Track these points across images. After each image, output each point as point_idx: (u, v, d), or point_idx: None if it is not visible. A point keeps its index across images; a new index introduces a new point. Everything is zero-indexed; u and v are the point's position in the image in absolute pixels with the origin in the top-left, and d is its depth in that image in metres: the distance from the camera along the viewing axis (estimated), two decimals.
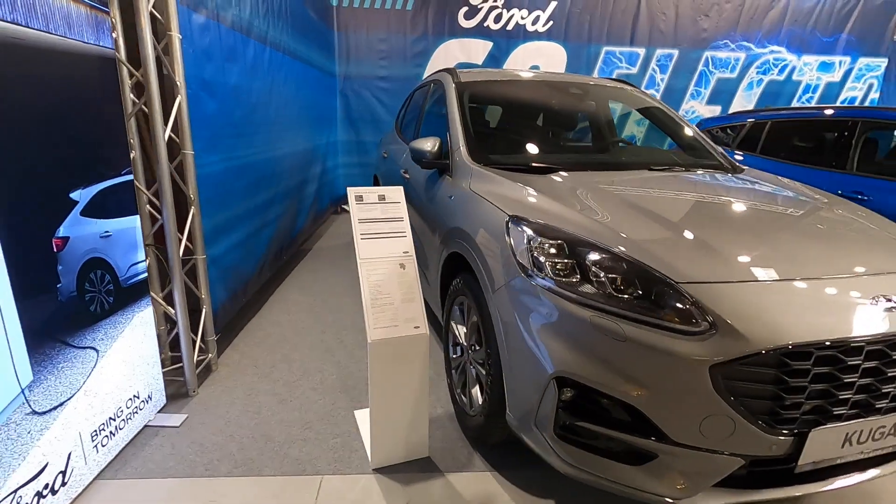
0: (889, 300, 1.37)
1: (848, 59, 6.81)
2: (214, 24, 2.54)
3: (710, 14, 6.46)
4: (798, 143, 4.31)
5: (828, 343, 1.27)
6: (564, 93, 2.99)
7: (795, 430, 1.31)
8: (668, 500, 1.36)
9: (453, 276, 2.21)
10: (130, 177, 1.95)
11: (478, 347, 1.96)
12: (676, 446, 1.33)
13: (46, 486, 1.57)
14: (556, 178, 2.08)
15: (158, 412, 2.17)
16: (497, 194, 1.94)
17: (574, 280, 1.46)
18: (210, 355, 2.52)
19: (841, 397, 1.32)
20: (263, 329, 3.02)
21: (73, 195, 1.66)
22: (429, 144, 2.45)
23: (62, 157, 1.61)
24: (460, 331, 2.14)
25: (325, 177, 5.63)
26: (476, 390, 1.99)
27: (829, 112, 4.27)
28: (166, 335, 2.43)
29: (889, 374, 1.35)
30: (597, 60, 6.49)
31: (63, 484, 1.64)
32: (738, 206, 1.91)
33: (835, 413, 1.33)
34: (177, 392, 2.32)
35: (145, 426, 2.08)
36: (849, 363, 1.30)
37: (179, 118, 2.17)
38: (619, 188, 1.98)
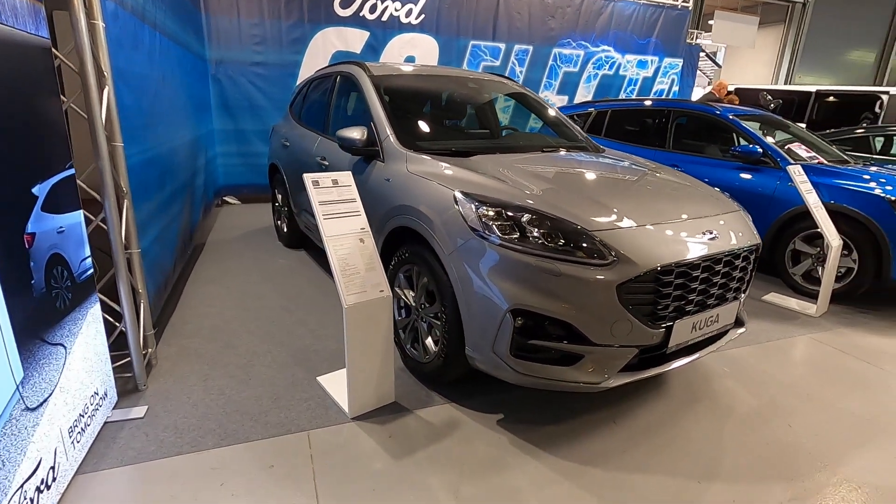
0: (711, 233, 2.08)
1: (657, 58, 8.42)
2: (121, 11, 2.46)
3: (556, 15, 7.47)
4: (632, 127, 5.38)
5: (682, 263, 1.91)
6: (465, 86, 3.44)
7: (665, 325, 1.95)
8: (593, 385, 1.91)
9: (394, 250, 2.53)
10: (73, 171, 1.91)
11: (429, 305, 2.33)
12: (596, 346, 1.88)
13: (42, 481, 1.57)
14: (478, 159, 2.52)
15: (114, 408, 2.15)
16: (436, 174, 2.31)
17: (515, 236, 1.92)
18: (150, 350, 2.49)
19: (690, 299, 1.99)
20: (191, 322, 3.00)
21: (34, 190, 1.63)
22: (357, 133, 2.70)
23: (24, 149, 1.58)
24: (408, 295, 2.49)
25: (208, 168, 5.37)
26: (429, 341, 2.37)
27: (648, 103, 5.41)
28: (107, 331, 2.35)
29: (714, 281, 2.05)
30: (465, 53, 7.10)
31: (54, 479, 1.64)
32: (612, 176, 2.56)
33: (687, 310, 2.00)
34: (125, 388, 2.30)
35: (105, 423, 2.06)
36: (693, 275, 1.96)
37: (108, 109, 2.12)
38: (528, 166, 2.49)
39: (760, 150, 4.13)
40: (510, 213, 1.97)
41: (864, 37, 17.80)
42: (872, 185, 3.64)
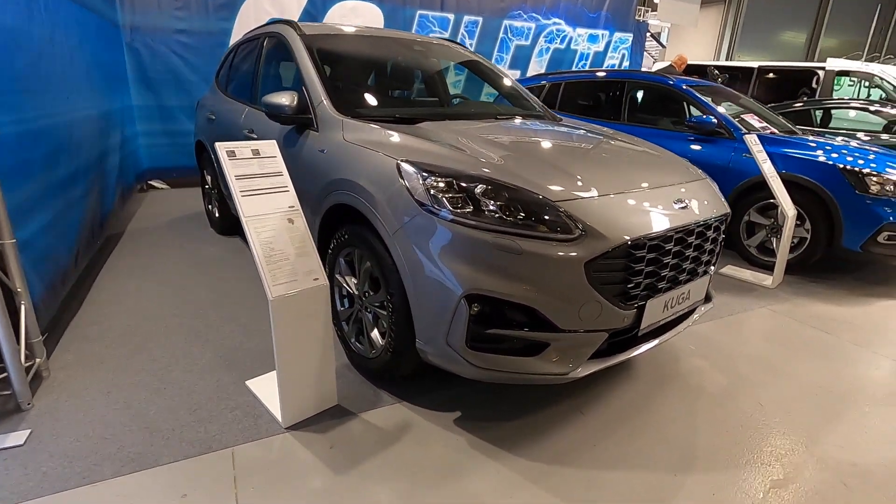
0: (682, 202, 1.90)
1: (607, 32, 8.31)
2: None
3: None
4: (586, 100, 5.22)
5: (654, 235, 1.71)
6: (410, 49, 3.11)
7: (637, 304, 1.75)
8: (560, 376, 1.69)
9: (332, 231, 2.22)
10: None
11: (373, 293, 2.04)
12: (563, 333, 1.65)
13: None
14: (426, 126, 2.22)
15: None
16: (378, 142, 2.00)
17: (469, 210, 1.65)
18: (38, 360, 2.08)
19: (662, 275, 1.80)
20: (97, 323, 2.57)
21: None
22: (286, 98, 2.34)
23: None
24: (350, 282, 2.19)
25: (126, 148, 4.79)
26: (375, 333, 2.09)
27: (601, 74, 5.25)
28: None
29: (686, 254, 1.87)
30: (412, 23, 6.70)
31: None
32: (574, 144, 2.33)
33: (659, 287, 1.81)
34: (3, 409, 1.89)
35: None
36: (665, 249, 1.77)
37: None
38: (482, 133, 2.22)
39: (715, 120, 4.05)
40: (463, 184, 1.70)
41: (796, 19, 18.64)
42: (824, 153, 3.62)
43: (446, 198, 1.67)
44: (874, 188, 3.41)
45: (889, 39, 19.77)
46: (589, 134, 2.56)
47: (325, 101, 2.35)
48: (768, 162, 3.48)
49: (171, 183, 5.78)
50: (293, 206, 1.88)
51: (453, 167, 1.76)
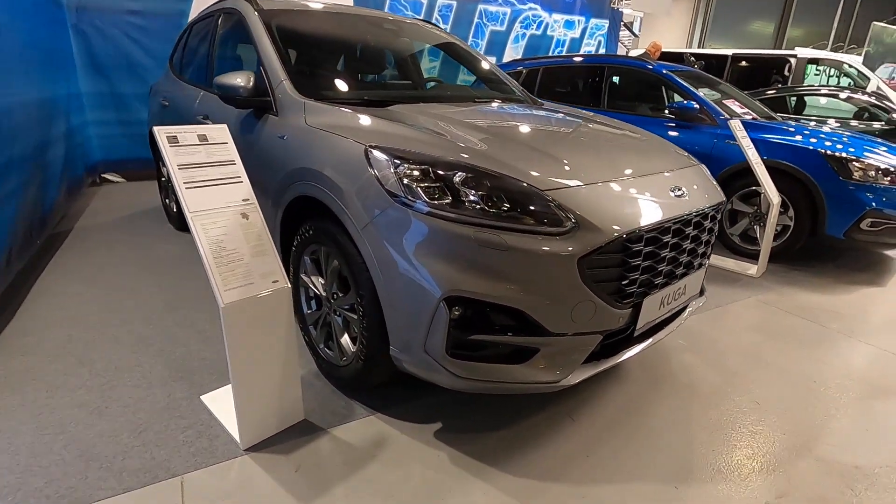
0: (679, 190, 1.75)
1: (583, 18, 8.18)
2: None
3: None
4: (565, 85, 5.06)
5: (652, 226, 1.55)
6: (380, 28, 2.88)
7: (633, 302, 1.60)
8: (550, 384, 1.53)
9: (296, 226, 2.00)
10: None
11: (342, 294, 1.84)
12: (553, 336, 1.49)
13: None
14: (398, 109, 2.02)
15: None
16: (344, 126, 1.79)
17: (447, 201, 1.46)
18: None
19: (659, 269, 1.65)
20: (32, 334, 2.30)
21: None
22: (240, 79, 2.10)
23: None
24: (317, 282, 1.98)
25: (73, 139, 4.42)
26: (346, 339, 1.89)
27: (580, 59, 5.11)
28: None
29: (683, 247, 1.73)
30: (383, 5, 6.42)
31: None
32: (559, 128, 2.16)
33: (655, 283, 1.66)
34: None
35: None
36: (663, 241, 1.62)
37: None
38: (460, 117, 2.02)
39: (697, 106, 3.94)
40: (440, 172, 1.50)
41: (764, 9, 18.96)
42: (807, 139, 3.55)
43: (421, 188, 1.48)
44: (857, 174, 3.35)
45: (851, 30, 20.33)
46: (573, 118, 2.39)
47: (285, 82, 2.12)
48: (753, 149, 3.39)
49: (127, 175, 5.40)
50: (248, 200, 1.65)
51: (429, 153, 1.57)
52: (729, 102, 4.15)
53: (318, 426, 1.77)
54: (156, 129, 1.54)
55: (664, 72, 4.24)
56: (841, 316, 2.91)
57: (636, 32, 15.32)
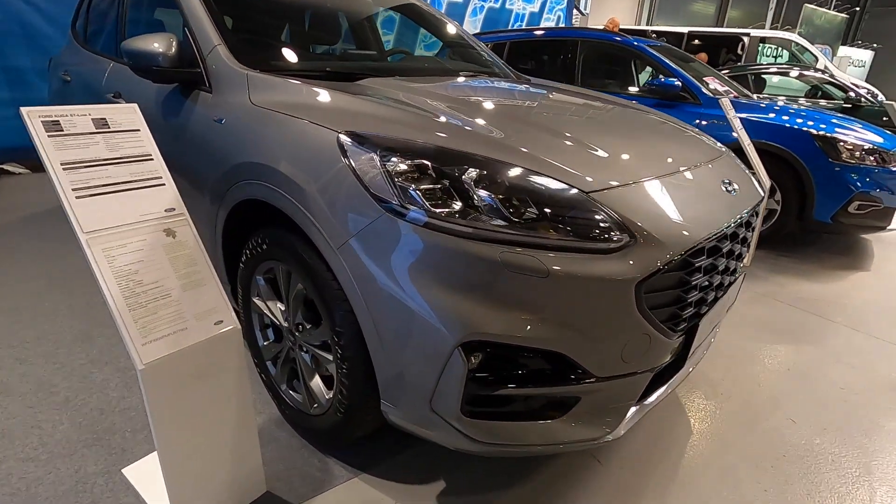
0: (730, 184, 1.43)
1: None
2: None
3: None
4: (535, 61, 4.71)
5: (715, 234, 1.23)
6: None
7: (687, 327, 1.28)
8: (595, 442, 1.19)
9: (245, 234, 1.55)
10: None
11: (310, 326, 1.42)
12: (599, 382, 1.14)
13: None
14: (372, 84, 1.58)
15: None
16: (305, 105, 1.34)
17: (455, 208, 1.07)
18: None
19: (715, 283, 1.33)
20: None
21: None
22: (159, 43, 1.59)
23: None
24: (275, 309, 1.54)
25: None
26: (317, 382, 1.47)
27: (552, 33, 4.76)
28: None
29: (735, 252, 1.42)
30: None
31: None
32: (573, 110, 1.79)
33: (708, 300, 1.34)
34: None
35: None
36: (723, 249, 1.30)
37: None
38: (451, 93, 1.62)
39: (679, 83, 3.70)
40: (445, 168, 1.10)
41: None
42: (795, 119, 3.38)
43: (420, 190, 1.08)
44: (845, 154, 3.22)
45: (784, 12, 21.19)
46: (579, 97, 2.03)
47: (220, 47, 1.62)
48: (743, 129, 3.17)
49: (33, 167, 4.60)
50: (173, 210, 1.19)
51: (427, 141, 1.16)
52: (709, 80, 3.94)
53: (285, 501, 1.36)
54: (24, 110, 1.05)
55: (645, 47, 3.97)
56: (841, 307, 2.77)
57: (584, 11, 15.20)
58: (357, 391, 1.27)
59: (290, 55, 1.80)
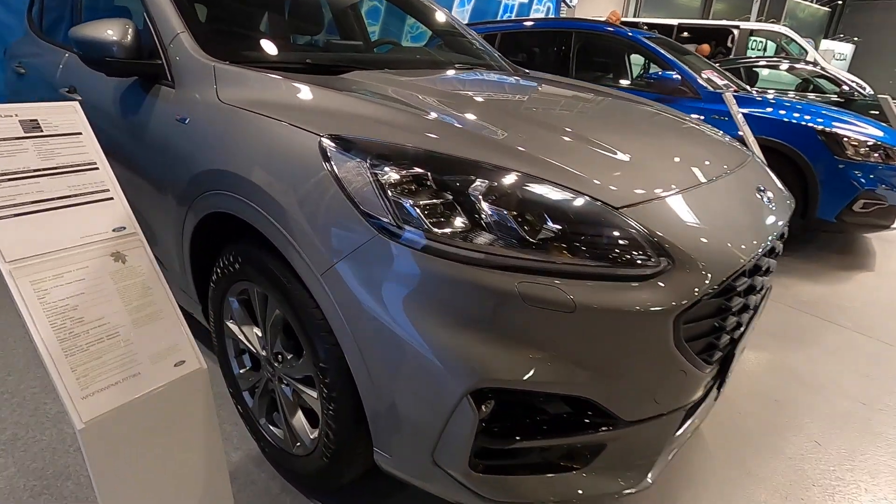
0: (764, 192, 1.28)
1: None
2: None
3: None
4: (527, 53, 4.53)
5: (759, 251, 1.07)
6: None
7: (723, 357, 1.13)
8: (622, 493, 1.04)
9: (216, 249, 1.36)
10: None
11: (291, 356, 1.24)
12: (629, 426, 0.98)
13: None
14: (356, 77, 1.40)
15: None
16: (282, 104, 1.15)
17: (460, 228, 0.90)
18: None
19: (751, 306, 1.18)
20: None
21: None
22: (113, 30, 1.38)
23: None
24: (251, 335, 1.35)
25: None
26: (300, 419, 1.29)
27: (545, 24, 4.58)
28: None
29: (771, 269, 1.28)
30: None
31: None
32: (586, 107, 1.62)
33: (743, 323, 1.19)
34: None
35: None
36: (762, 268, 1.15)
37: None
38: (449, 88, 1.44)
39: (678, 77, 3.55)
40: (447, 179, 0.93)
41: None
42: (797, 115, 3.26)
43: (418, 205, 0.90)
44: (850, 151, 3.11)
45: (769, 5, 21.30)
46: (589, 92, 1.85)
47: (183, 35, 1.42)
48: (747, 125, 3.05)
49: None
50: (124, 229, 1.00)
51: (425, 146, 0.98)
52: (708, 73, 3.80)
53: None
54: None
55: (642, 39, 3.81)
56: (849, 311, 2.67)
57: (570, 3, 15.06)
58: (346, 435, 1.10)
59: (264, 45, 1.59)
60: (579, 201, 0.92)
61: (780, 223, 1.22)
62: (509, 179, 0.94)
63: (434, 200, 0.92)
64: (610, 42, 4.10)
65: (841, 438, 1.71)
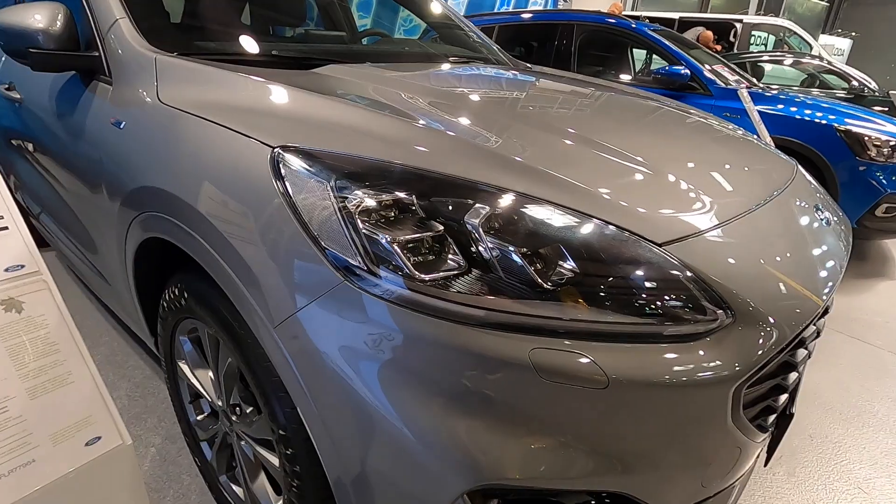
0: (820, 209, 1.06)
1: None
2: None
3: None
4: (525, 46, 4.30)
5: (831, 291, 0.86)
6: None
7: (780, 420, 0.92)
8: None
9: (165, 274, 1.13)
10: None
11: (249, 410, 1.02)
12: None
13: None
14: (332, 73, 1.17)
15: None
16: (232, 106, 0.92)
17: (451, 272, 0.68)
18: None
19: (811, 354, 0.97)
20: None
21: None
22: (41, 16, 1.15)
23: None
24: (205, 379, 1.13)
25: None
26: (264, 484, 1.08)
27: (545, 16, 4.36)
28: None
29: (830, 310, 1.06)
30: None
31: None
32: (606, 109, 1.39)
33: (800, 376, 0.98)
34: None
35: None
36: (830, 309, 0.94)
37: None
38: (441, 85, 1.21)
39: (688, 72, 3.34)
40: (438, 205, 0.71)
41: None
42: (815, 112, 3.05)
43: (399, 242, 0.68)
44: (873, 152, 2.90)
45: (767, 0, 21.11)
46: (607, 91, 1.64)
47: (122, 22, 1.18)
48: (762, 124, 2.84)
49: None
50: (21, 268, 0.78)
51: (411, 162, 0.76)
52: (718, 68, 3.59)
53: None
54: None
55: (650, 32, 3.59)
56: (876, 326, 2.47)
57: None
58: None
59: (222, 34, 1.35)
60: (610, 235, 0.70)
61: (847, 251, 1.01)
62: (518, 205, 0.72)
63: (419, 234, 0.70)
64: (614, 35, 3.87)
65: (888, 482, 1.51)
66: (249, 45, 1.32)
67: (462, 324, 0.64)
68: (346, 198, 0.71)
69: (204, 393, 1.15)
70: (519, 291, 0.66)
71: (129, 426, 1.51)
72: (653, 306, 0.67)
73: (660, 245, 0.70)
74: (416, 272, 0.66)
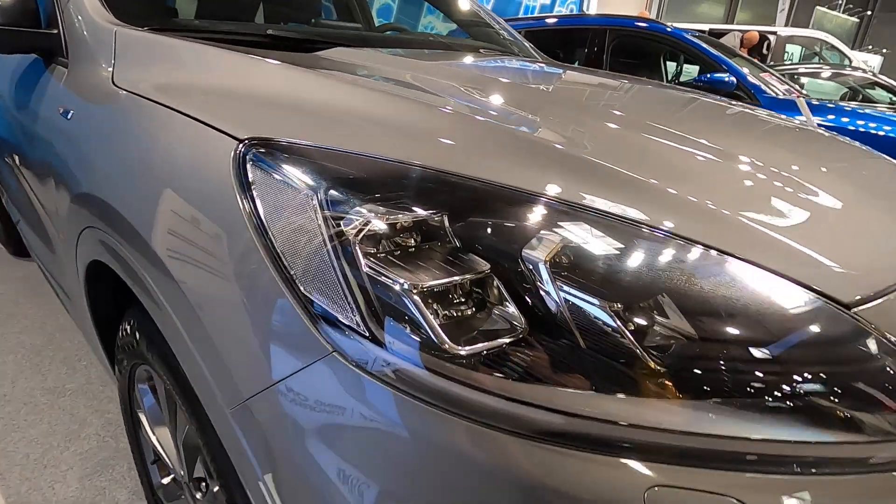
0: None
1: None
2: None
3: None
4: (555, 53, 4.07)
5: None
6: None
7: None
8: None
9: (124, 300, 0.89)
10: None
11: (217, 490, 0.76)
12: None
13: None
14: (338, 56, 0.93)
15: None
16: (199, 87, 0.69)
17: (506, 337, 0.41)
18: None
19: None
20: None
21: None
22: None
23: None
24: (166, 441, 0.89)
25: None
26: None
27: (575, 21, 4.13)
28: None
29: None
30: None
31: None
32: (687, 108, 1.13)
33: None
34: None
35: None
36: None
37: None
38: (475, 72, 0.97)
39: (734, 80, 3.06)
40: (480, 221, 0.45)
41: None
42: (880, 126, 2.74)
43: (422, 290, 0.42)
44: None
45: (794, 14, 20.70)
46: (678, 91, 1.38)
47: None
48: None
49: None
50: None
51: (434, 163, 0.50)
52: (766, 76, 3.30)
53: None
54: None
55: (689, 38, 3.33)
56: None
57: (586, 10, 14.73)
58: None
59: (206, 6, 1.12)
60: (775, 291, 0.43)
61: None
62: (619, 234, 0.46)
63: (452, 276, 0.44)
64: (649, 40, 3.61)
65: None
66: (240, 21, 1.09)
67: (529, 438, 0.38)
68: (343, 218, 0.46)
69: (165, 458, 0.90)
70: (620, 378, 0.39)
71: (92, 476, 1.28)
72: (844, 409, 0.40)
73: (849, 308, 0.43)
74: (449, 341, 0.41)
